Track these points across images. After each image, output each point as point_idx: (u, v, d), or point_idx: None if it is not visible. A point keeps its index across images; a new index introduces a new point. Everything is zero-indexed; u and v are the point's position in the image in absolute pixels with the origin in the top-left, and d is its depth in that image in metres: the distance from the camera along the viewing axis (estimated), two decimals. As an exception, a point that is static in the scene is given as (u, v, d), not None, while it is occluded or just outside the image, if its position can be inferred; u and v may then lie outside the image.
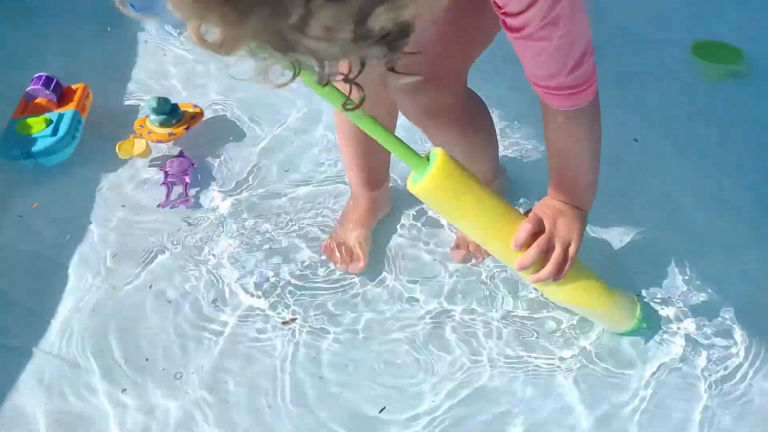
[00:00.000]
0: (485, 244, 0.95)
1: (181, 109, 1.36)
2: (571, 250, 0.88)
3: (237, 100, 1.46)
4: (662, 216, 1.23)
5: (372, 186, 1.18)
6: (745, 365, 1.02)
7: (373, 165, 1.16)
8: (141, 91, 1.49)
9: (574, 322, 1.07)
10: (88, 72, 1.49)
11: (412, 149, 0.80)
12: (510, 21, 0.72)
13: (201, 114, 1.38)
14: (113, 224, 1.25)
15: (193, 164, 1.31)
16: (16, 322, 1.12)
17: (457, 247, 1.17)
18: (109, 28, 1.62)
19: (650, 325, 1.04)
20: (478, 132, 1.07)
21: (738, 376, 1.01)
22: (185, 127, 1.34)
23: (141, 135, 1.33)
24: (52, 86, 1.37)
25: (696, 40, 1.51)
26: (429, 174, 0.80)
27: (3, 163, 1.32)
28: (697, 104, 1.44)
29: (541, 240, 0.86)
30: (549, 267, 0.86)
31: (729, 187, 1.27)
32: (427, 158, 0.81)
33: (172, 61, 1.57)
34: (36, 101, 1.36)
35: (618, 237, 1.19)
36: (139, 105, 1.46)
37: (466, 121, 1.01)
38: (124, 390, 1.02)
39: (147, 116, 1.34)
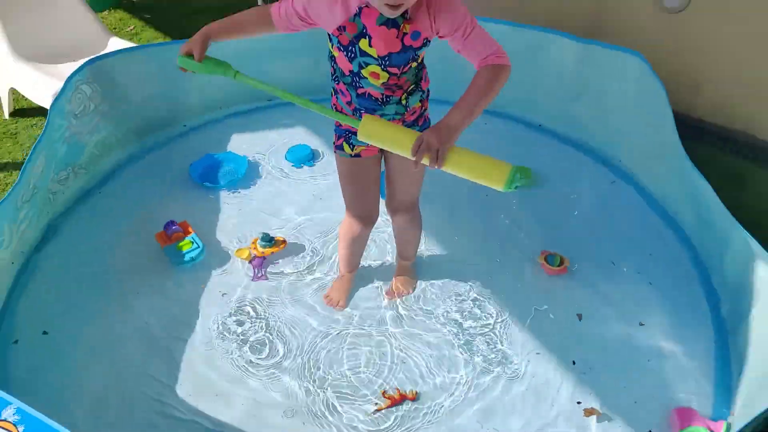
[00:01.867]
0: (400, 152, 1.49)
1: (276, 239, 2.29)
2: (441, 150, 1.41)
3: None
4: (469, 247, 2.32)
5: (354, 270, 2.17)
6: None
7: (357, 260, 2.15)
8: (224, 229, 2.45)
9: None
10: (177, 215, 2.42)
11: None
12: (455, 35, 1.46)
13: (284, 243, 2.31)
14: (231, 287, 2.20)
15: (265, 261, 2.29)
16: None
17: (387, 293, 2.17)
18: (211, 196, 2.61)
19: (523, 177, 1.81)
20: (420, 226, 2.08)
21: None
22: (272, 251, 2.27)
23: (251, 248, 2.28)
24: (174, 224, 2.33)
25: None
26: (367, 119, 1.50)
27: (171, 265, 2.25)
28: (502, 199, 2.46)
29: (421, 150, 1.42)
30: (428, 159, 1.43)
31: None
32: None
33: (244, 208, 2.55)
34: (175, 234, 2.31)
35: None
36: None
37: (419, 223, 2.05)
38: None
39: (257, 239, 2.27)
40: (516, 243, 2.32)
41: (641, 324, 2.02)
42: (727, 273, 2.05)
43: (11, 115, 3.16)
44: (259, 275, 2.23)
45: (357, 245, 2.08)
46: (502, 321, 2.05)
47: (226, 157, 2.74)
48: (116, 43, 3.20)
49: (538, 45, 2.74)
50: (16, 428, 1.23)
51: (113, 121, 2.67)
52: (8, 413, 1.24)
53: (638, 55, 2.46)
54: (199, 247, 2.28)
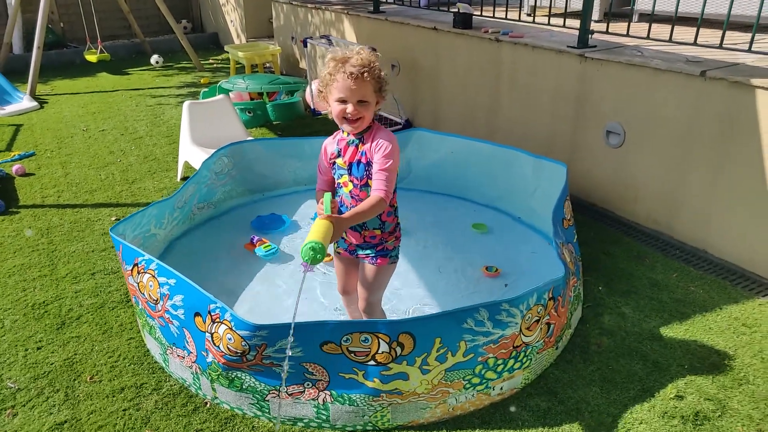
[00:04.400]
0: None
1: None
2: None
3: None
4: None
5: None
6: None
7: (351, 310, 2.78)
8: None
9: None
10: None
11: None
12: (375, 165, 2.20)
13: (330, 257, 3.20)
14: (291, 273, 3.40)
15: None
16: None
17: None
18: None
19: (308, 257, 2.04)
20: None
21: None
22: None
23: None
24: (256, 239, 3.61)
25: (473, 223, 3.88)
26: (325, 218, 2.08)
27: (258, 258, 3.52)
28: (468, 242, 3.63)
29: None
30: None
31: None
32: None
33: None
34: (258, 241, 3.61)
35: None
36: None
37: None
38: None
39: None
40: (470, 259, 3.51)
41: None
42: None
43: (182, 179, 4.98)
44: (309, 270, 3.45)
45: (349, 307, 2.79)
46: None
47: (273, 217, 4.08)
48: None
49: (513, 158, 4.04)
50: (154, 272, 2.66)
51: (236, 181, 4.32)
52: (152, 266, 2.69)
53: (563, 165, 3.68)
54: (275, 247, 3.63)
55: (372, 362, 2.27)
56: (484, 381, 2.44)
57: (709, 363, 2.71)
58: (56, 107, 7.32)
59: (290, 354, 2.22)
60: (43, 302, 3.29)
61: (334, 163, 2.39)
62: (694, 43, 3.70)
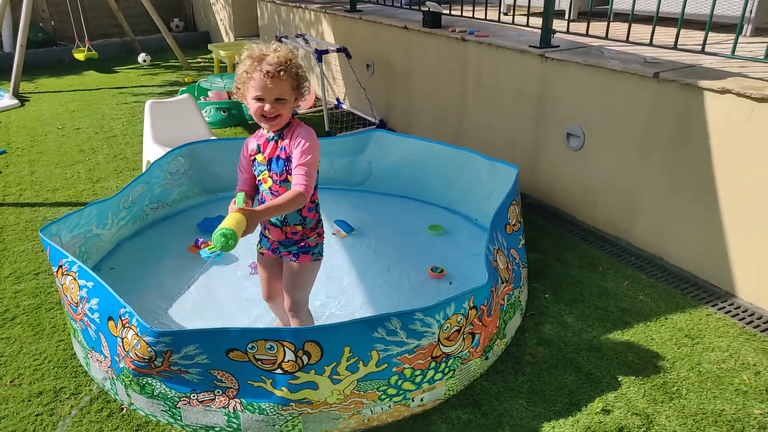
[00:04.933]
0: None
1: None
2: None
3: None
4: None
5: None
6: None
7: (279, 315, 2.77)
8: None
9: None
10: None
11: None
12: (294, 161, 2.17)
13: None
14: (235, 273, 3.37)
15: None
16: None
17: None
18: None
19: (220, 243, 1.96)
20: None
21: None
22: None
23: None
24: (200, 239, 3.55)
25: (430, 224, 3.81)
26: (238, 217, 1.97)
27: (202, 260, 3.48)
28: (422, 242, 3.60)
29: None
30: None
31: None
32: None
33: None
34: (203, 243, 3.56)
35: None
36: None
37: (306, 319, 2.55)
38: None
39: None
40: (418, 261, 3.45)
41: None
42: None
43: (144, 178, 4.93)
44: (252, 272, 3.43)
45: (278, 315, 2.80)
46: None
47: (221, 219, 4.02)
48: (215, 141, 4.93)
49: (470, 161, 3.96)
50: (76, 275, 2.61)
51: (193, 181, 4.27)
52: (74, 269, 2.64)
53: (515, 167, 3.60)
54: (218, 252, 3.55)
55: (279, 371, 2.20)
56: (402, 392, 2.36)
57: (643, 375, 2.62)
58: (37, 105, 7.31)
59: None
60: (-20, 303, 3.25)
61: (255, 159, 2.36)
62: (650, 44, 3.60)
